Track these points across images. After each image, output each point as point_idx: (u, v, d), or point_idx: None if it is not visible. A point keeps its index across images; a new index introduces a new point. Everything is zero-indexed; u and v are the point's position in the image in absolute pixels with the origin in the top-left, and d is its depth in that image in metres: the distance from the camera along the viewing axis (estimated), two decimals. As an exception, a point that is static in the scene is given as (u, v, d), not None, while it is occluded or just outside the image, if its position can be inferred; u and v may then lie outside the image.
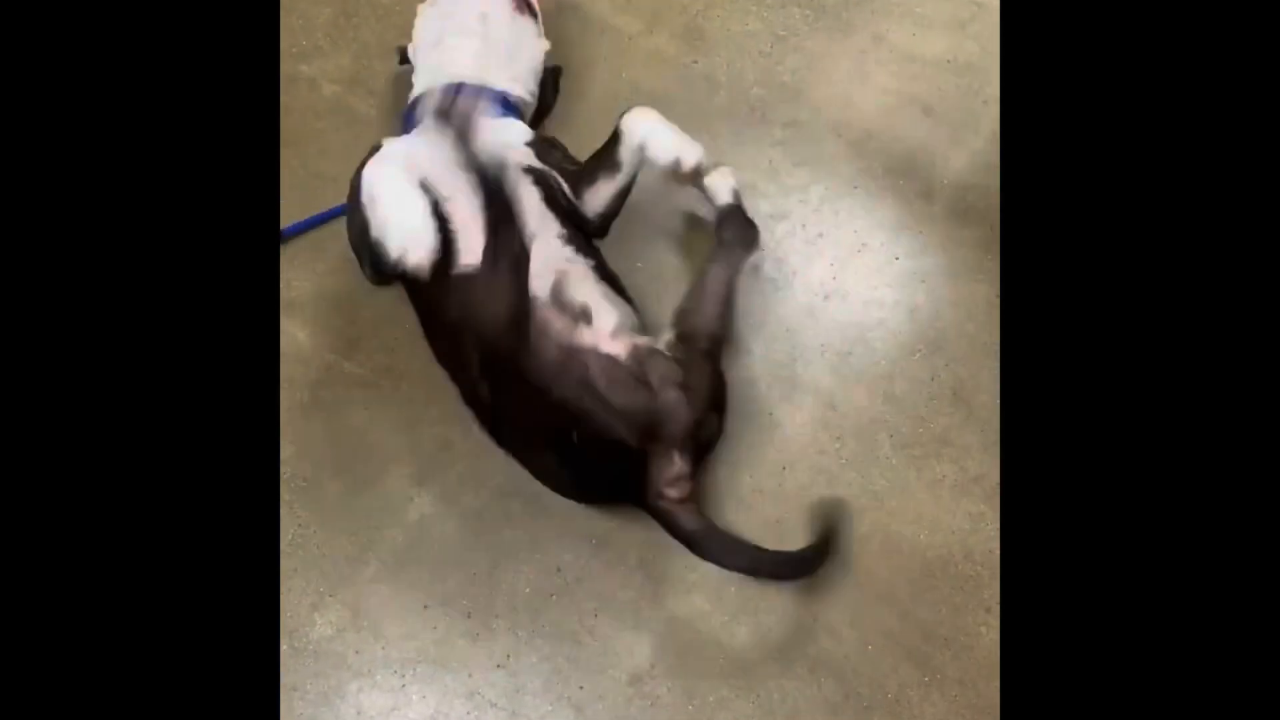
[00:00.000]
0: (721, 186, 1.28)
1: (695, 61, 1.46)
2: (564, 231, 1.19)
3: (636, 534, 1.23)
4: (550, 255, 1.17)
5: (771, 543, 1.21)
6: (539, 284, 1.14)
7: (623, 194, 1.24)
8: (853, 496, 1.23)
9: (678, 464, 1.12)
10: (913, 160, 1.38)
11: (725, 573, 1.21)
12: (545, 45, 1.36)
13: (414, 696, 1.18)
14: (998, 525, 1.21)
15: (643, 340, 1.15)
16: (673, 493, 1.12)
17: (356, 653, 1.20)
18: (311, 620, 1.21)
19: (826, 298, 1.32)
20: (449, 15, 1.31)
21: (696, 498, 1.14)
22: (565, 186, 1.22)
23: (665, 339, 1.17)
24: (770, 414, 1.27)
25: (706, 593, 1.20)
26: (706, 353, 1.17)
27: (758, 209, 1.36)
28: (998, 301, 1.30)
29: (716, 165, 1.28)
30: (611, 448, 1.10)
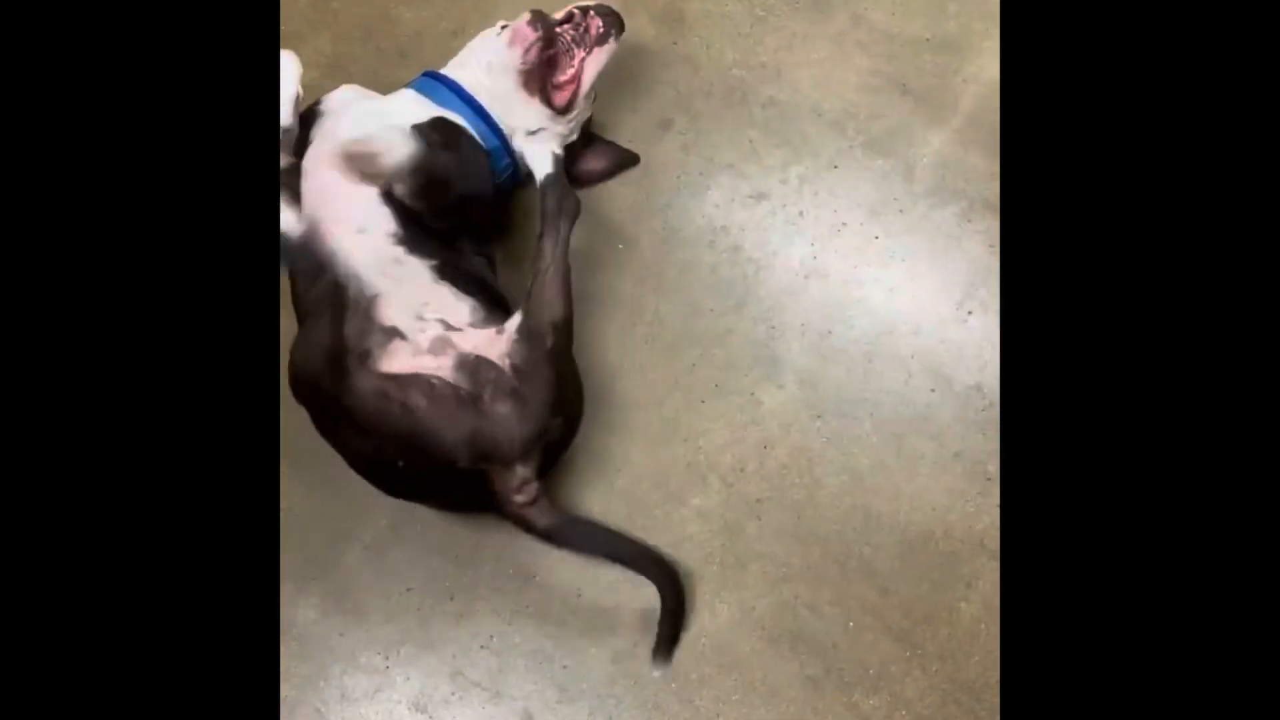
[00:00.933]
0: (540, 155, 1.25)
1: (675, 43, 1.46)
2: (397, 230, 1.15)
3: (619, 514, 1.23)
4: (375, 261, 1.13)
5: (753, 522, 1.22)
6: (359, 307, 1.10)
7: None
8: (833, 474, 1.24)
9: (519, 473, 1.10)
10: (892, 139, 1.38)
11: (708, 552, 1.22)
12: (561, 126, 1.30)
13: (398, 678, 1.18)
14: (977, 502, 1.22)
15: (471, 347, 1.10)
16: (520, 498, 1.11)
17: (340, 635, 1.20)
18: (295, 604, 1.21)
19: (806, 277, 1.33)
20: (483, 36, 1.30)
21: (544, 495, 1.12)
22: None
23: (509, 335, 1.11)
24: (751, 393, 1.28)
25: (688, 570, 1.20)
26: (550, 351, 1.11)
27: (738, 189, 1.37)
28: (976, 279, 1.30)
29: (538, 131, 1.26)
30: (445, 472, 1.08)
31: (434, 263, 1.15)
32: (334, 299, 1.12)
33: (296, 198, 1.18)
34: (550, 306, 1.13)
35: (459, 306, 1.14)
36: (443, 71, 1.28)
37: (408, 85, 1.28)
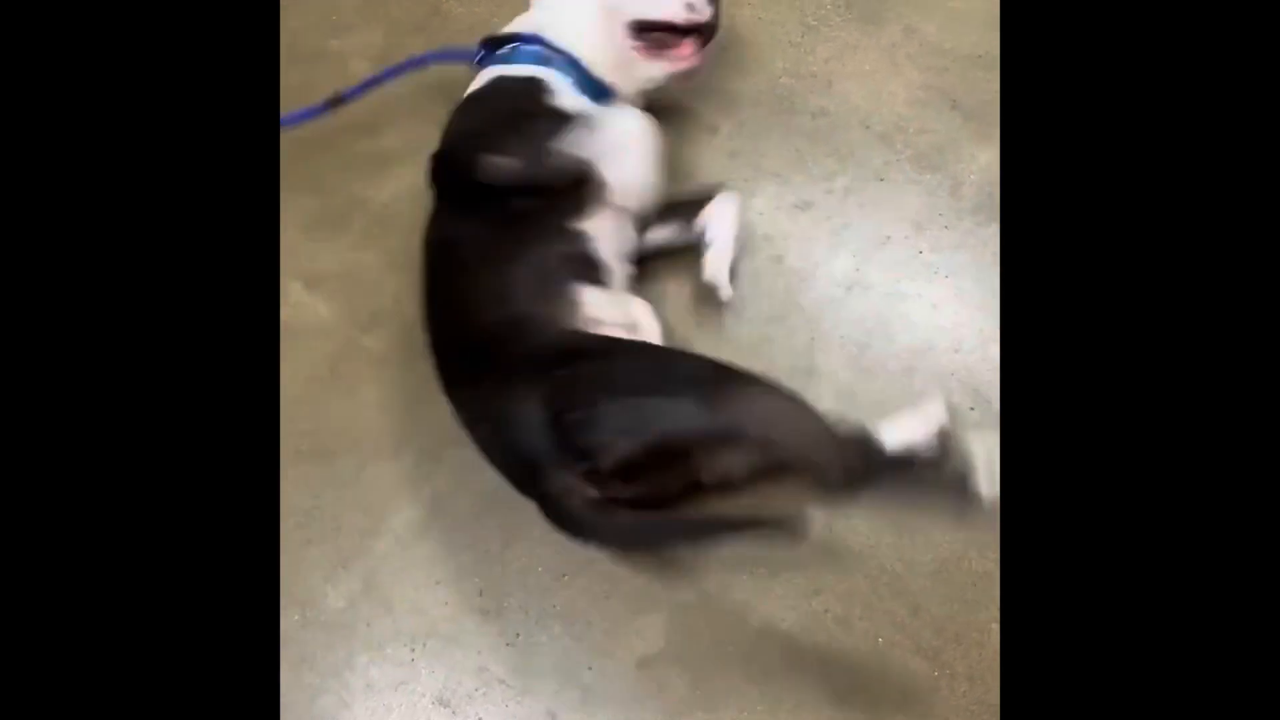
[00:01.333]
0: (928, 417, 1.14)
1: (724, 49, 1.46)
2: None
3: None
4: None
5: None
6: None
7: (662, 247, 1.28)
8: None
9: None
10: (940, 154, 1.37)
11: (737, 561, 1.21)
12: None
13: (423, 671, 1.18)
14: (1013, 523, 1.20)
15: None
16: (588, 492, 1.02)
17: (367, 625, 1.21)
18: (324, 592, 1.22)
19: (849, 289, 1.32)
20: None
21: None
22: None
23: None
24: (788, 403, 1.27)
25: (717, 579, 1.20)
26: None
27: (783, 198, 1.36)
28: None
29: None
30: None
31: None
32: None
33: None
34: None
35: None
36: (548, 38, 1.27)
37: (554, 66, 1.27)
